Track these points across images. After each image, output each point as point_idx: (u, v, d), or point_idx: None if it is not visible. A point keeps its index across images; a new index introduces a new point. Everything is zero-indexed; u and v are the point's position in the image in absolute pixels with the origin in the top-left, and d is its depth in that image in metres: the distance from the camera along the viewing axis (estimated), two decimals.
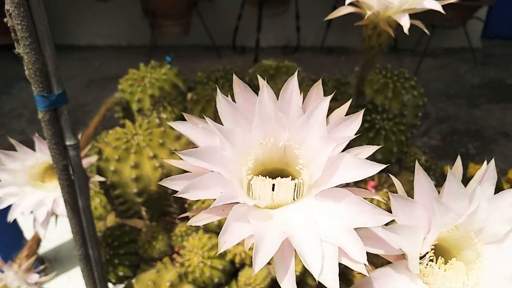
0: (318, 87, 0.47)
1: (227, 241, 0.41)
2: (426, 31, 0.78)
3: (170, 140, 1.06)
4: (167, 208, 1.08)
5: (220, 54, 3.64)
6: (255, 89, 1.34)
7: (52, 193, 0.87)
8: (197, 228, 1.02)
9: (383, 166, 0.42)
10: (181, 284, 0.95)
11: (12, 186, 0.86)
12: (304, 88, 1.20)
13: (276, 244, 0.41)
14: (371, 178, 1.04)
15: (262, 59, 3.47)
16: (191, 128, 0.47)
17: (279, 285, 0.91)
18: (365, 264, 0.42)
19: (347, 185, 0.46)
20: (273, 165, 0.52)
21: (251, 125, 0.47)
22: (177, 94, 1.25)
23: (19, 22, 0.65)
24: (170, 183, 0.44)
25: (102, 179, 0.92)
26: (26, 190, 0.87)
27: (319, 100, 0.45)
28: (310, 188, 0.47)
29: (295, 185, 0.47)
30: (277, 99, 0.48)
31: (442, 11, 0.72)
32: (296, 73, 0.47)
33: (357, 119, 0.45)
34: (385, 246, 0.47)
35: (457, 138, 2.78)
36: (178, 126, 0.46)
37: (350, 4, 0.80)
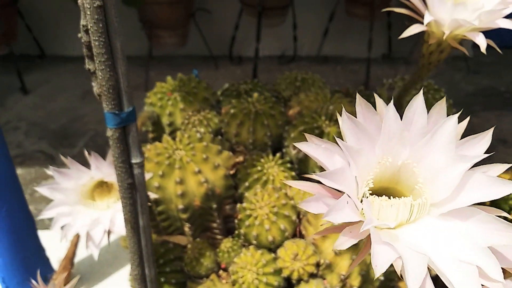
0: (441, 106, 0.47)
1: (378, 265, 0.40)
2: (499, 50, 0.79)
3: (213, 154, 1.05)
4: (209, 224, 1.07)
5: (217, 64, 3.63)
6: (284, 99, 1.31)
7: (106, 212, 0.84)
8: (243, 244, 1.01)
9: None
10: None
11: (64, 206, 0.83)
12: (335, 100, 1.21)
13: (424, 267, 0.41)
14: None
15: (260, 69, 3.46)
16: (314, 148, 0.46)
17: None
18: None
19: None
20: (381, 183, 0.51)
21: (373, 144, 0.47)
22: (210, 108, 1.24)
23: (97, 38, 0.63)
24: (305, 205, 0.43)
25: (156, 196, 0.90)
26: (78, 209, 0.84)
27: (446, 118, 0.46)
28: (430, 207, 0.47)
29: (413, 205, 0.47)
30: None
31: None
32: (421, 92, 0.47)
33: (486, 137, 0.45)
34: (505, 260, 0.47)
35: None
36: (303, 146, 0.46)
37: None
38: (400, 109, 1.14)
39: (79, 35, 0.66)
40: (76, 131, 2.89)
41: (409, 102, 1.05)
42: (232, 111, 1.14)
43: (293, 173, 1.04)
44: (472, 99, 3.27)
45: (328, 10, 3.48)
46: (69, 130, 2.87)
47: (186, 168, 1.01)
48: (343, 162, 0.46)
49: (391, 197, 0.47)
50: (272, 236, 0.90)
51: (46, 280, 1.38)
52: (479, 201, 0.44)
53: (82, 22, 0.64)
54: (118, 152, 0.71)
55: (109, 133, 0.71)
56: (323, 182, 0.43)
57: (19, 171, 2.66)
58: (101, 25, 0.62)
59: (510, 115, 3.08)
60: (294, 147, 0.99)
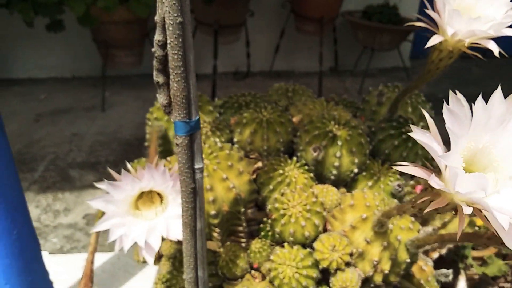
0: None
1: (502, 221, 0.48)
2: (506, 54, 0.92)
3: (235, 161, 1.11)
4: (235, 228, 1.12)
5: None
6: (281, 108, 1.38)
7: (159, 219, 0.87)
8: (271, 244, 1.07)
9: None
10: None
11: (117, 217, 0.85)
12: (331, 108, 1.31)
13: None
14: (418, 182, 1.18)
15: (217, 85, 3.53)
16: (426, 138, 0.55)
17: (369, 285, 0.99)
18: None
19: None
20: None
21: (464, 131, 0.56)
22: (217, 120, 1.30)
23: (176, 52, 0.68)
24: (430, 180, 0.52)
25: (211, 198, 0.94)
26: (129, 220, 0.86)
27: None
28: (507, 180, 0.58)
29: (496, 179, 0.57)
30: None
31: None
32: (499, 88, 0.58)
33: None
34: None
35: None
36: (416, 134, 0.55)
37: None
38: (395, 111, 1.26)
39: (153, 49, 0.70)
40: (33, 156, 2.78)
41: (404, 104, 1.17)
42: (244, 120, 1.21)
43: (311, 175, 1.12)
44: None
45: (279, 27, 3.65)
46: (26, 156, 2.77)
47: (214, 176, 1.06)
48: (439, 147, 0.56)
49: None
50: (308, 232, 0.98)
51: None
52: None
53: (158, 37, 0.68)
54: (185, 158, 0.76)
55: (178, 140, 0.75)
56: (444, 162, 0.52)
57: None
58: (180, 39, 0.67)
59: None
60: (315, 150, 1.08)
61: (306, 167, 1.14)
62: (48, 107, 3.33)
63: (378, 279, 0.99)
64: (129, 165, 0.91)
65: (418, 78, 1.07)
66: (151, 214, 0.89)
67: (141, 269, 1.60)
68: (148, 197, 0.93)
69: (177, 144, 0.76)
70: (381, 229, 0.94)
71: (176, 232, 0.86)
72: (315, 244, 0.98)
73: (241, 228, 1.11)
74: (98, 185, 0.84)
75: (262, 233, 1.10)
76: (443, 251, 1.25)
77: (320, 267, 0.97)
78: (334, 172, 1.11)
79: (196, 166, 0.78)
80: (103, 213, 1.15)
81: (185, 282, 0.89)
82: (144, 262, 1.25)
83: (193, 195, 0.79)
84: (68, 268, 1.60)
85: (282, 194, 1.03)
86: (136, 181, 0.85)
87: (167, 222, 0.87)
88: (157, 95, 0.76)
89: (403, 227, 0.99)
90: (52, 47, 3.54)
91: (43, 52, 3.58)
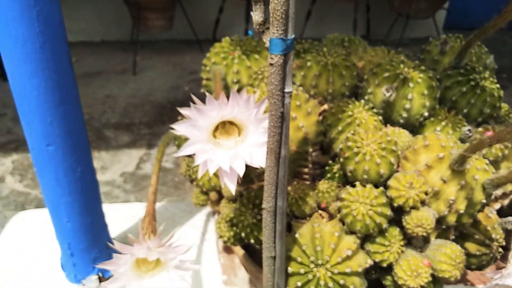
0: None
1: None
2: None
3: (303, 102, 1.09)
4: (300, 169, 1.11)
5: (202, 47, 3.63)
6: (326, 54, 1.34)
7: (239, 148, 0.86)
8: (338, 186, 1.06)
9: None
10: (343, 235, 0.99)
11: (200, 143, 0.84)
12: (393, 56, 1.29)
13: None
14: (486, 128, 1.15)
15: None
16: None
17: (440, 226, 0.98)
18: None
19: None
20: None
21: None
22: None
23: None
24: None
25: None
26: (210, 147, 0.86)
27: None
28: None
29: None
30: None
31: None
32: None
33: None
34: None
35: None
36: None
37: None
38: (464, 57, 1.22)
39: None
40: None
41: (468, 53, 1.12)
42: (308, 64, 1.19)
43: (380, 118, 1.11)
44: None
45: None
46: None
47: None
48: None
49: None
50: (383, 169, 0.96)
51: (107, 247, 1.36)
52: None
53: None
54: (278, 79, 0.74)
55: (273, 59, 0.73)
56: None
57: (15, 156, 2.53)
58: None
59: None
60: (388, 90, 1.06)
61: (375, 110, 1.12)
62: (80, 70, 3.33)
63: (451, 219, 0.98)
64: (208, 94, 0.89)
65: (499, 16, 1.03)
66: (231, 144, 0.88)
67: (189, 219, 1.61)
68: (224, 129, 0.92)
69: (271, 64, 0.74)
70: (460, 167, 0.92)
71: (260, 159, 0.85)
72: (390, 182, 0.97)
73: (306, 170, 1.10)
74: (182, 110, 0.83)
75: (328, 175, 1.09)
76: (506, 202, 1.23)
77: (395, 204, 0.96)
78: (404, 115, 1.09)
79: (286, 90, 0.77)
80: (164, 150, 1.15)
81: (264, 211, 0.88)
82: (204, 205, 1.26)
83: (281, 120, 0.78)
84: (116, 215, 1.62)
85: (354, 134, 1.01)
86: (222, 107, 0.83)
87: (249, 150, 0.86)
88: (252, 12, 0.74)
89: (479, 168, 0.97)
90: (81, 10, 3.53)
91: (72, 16, 3.56)
